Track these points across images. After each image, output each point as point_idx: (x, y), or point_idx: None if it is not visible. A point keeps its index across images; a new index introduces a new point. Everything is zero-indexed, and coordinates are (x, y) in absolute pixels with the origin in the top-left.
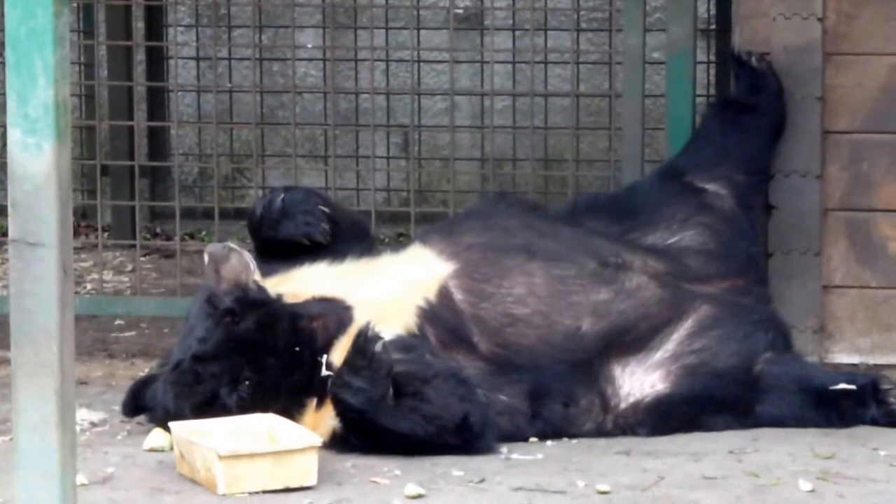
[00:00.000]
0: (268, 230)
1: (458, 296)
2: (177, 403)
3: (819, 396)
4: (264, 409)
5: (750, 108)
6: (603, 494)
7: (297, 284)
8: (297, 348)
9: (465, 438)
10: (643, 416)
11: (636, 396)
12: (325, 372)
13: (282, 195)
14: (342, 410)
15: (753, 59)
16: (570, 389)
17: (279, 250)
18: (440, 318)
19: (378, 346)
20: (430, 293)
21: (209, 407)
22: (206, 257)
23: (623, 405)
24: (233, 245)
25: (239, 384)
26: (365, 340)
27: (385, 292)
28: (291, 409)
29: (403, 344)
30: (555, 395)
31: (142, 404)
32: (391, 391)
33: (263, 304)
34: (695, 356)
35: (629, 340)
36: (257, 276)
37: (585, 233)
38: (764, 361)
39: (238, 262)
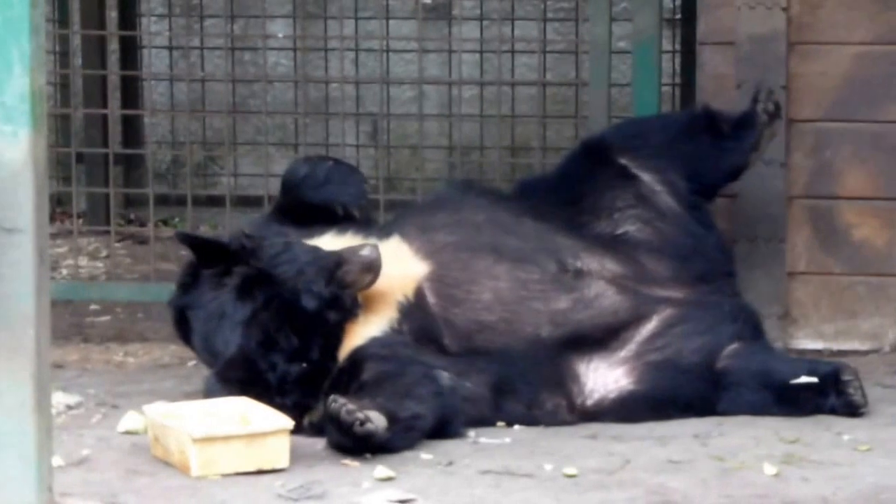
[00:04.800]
0: (308, 190)
1: (431, 299)
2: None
3: (780, 392)
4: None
5: (720, 135)
6: (570, 478)
7: None
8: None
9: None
10: (607, 415)
11: (601, 392)
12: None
13: (329, 163)
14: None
15: (763, 95)
16: (536, 391)
17: (298, 215)
18: (415, 316)
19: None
20: (409, 291)
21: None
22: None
23: (588, 402)
24: None
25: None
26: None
27: (374, 285)
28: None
29: (385, 342)
30: (520, 395)
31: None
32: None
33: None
34: (658, 353)
35: (590, 343)
36: None
37: (547, 229)
38: (727, 356)
39: None
